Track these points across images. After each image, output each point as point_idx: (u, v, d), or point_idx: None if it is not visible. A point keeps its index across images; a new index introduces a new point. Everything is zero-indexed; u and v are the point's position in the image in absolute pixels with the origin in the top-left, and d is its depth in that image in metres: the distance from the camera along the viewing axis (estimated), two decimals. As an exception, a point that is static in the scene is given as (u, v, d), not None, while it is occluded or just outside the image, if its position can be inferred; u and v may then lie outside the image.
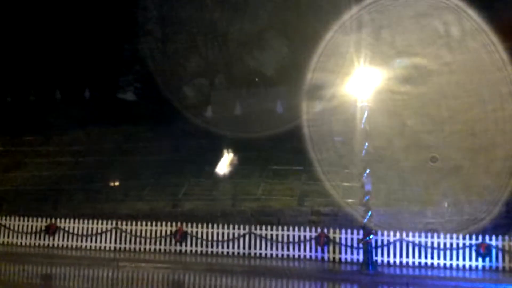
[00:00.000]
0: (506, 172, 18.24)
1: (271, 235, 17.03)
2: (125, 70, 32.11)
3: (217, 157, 21.88)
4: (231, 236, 17.29)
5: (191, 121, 26.10)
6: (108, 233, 18.17)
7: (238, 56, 29.42)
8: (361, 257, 15.34)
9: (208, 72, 30.28)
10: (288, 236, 16.94)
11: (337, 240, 16.44)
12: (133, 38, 30.88)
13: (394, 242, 15.95)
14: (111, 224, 18.21)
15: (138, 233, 18.04)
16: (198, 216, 18.32)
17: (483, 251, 15.22)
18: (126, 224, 18.19)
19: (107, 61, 30.33)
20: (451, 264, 15.54)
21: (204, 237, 17.51)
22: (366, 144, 15.05)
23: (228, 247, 17.28)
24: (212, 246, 17.43)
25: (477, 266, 15.33)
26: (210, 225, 17.60)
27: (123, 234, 18.14)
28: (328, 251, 16.46)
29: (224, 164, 21.82)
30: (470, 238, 15.56)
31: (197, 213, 18.56)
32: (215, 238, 17.45)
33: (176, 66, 30.23)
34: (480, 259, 15.32)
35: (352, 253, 16.23)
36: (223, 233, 17.43)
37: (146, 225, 18.08)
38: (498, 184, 17.87)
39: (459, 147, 19.53)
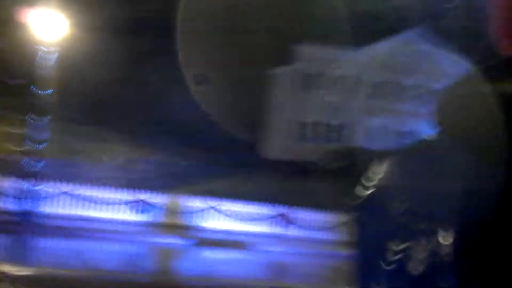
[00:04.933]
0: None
1: None
2: None
3: None
4: None
5: None
6: None
7: None
8: (23, 208, 14.80)
9: None
10: None
11: (-2, 189, 15.41)
12: None
13: (59, 194, 15.85)
14: None
15: None
16: None
17: (141, 207, 16.36)
18: None
19: None
20: (111, 218, 16.25)
21: None
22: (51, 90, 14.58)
23: None
24: None
25: (135, 221, 16.38)
26: None
27: None
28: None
29: None
30: (129, 193, 16.47)
31: None
32: None
33: None
34: (138, 214, 16.41)
35: (12, 203, 15.43)
36: None
37: None
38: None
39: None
